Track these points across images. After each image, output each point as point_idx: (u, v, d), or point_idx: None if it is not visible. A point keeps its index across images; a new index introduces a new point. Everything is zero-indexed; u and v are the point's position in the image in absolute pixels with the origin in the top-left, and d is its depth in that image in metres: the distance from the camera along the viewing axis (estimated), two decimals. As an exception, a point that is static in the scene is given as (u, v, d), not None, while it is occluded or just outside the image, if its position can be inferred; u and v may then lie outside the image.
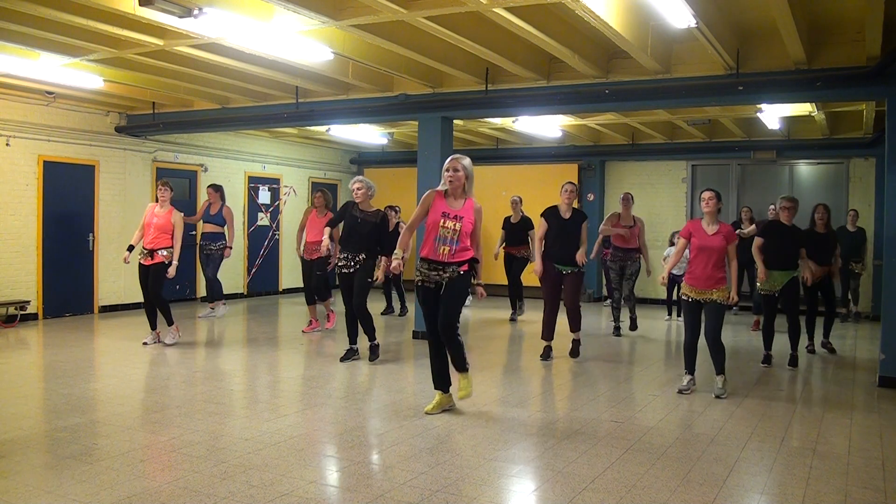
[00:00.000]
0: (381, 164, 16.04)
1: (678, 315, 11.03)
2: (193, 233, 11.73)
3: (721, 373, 6.32)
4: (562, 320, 7.80)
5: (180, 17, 5.83)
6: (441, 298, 5.29)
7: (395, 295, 11.67)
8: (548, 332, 7.81)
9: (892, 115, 7.05)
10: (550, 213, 7.75)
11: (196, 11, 5.75)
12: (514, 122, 11.12)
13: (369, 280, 7.41)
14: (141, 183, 11.75)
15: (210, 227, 10.61)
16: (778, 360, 7.67)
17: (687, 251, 6.42)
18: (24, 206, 10.09)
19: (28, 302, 10.10)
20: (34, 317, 10.24)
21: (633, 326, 9.79)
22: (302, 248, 9.58)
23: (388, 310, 11.53)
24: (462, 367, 5.44)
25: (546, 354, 7.81)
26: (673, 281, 10.95)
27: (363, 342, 7.75)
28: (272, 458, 4.43)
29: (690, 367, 6.41)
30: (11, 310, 9.82)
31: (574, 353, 7.77)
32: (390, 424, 5.24)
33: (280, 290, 14.47)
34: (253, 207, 13.80)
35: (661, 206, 13.74)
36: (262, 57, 7.59)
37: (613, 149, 13.83)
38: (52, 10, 6.02)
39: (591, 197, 13.99)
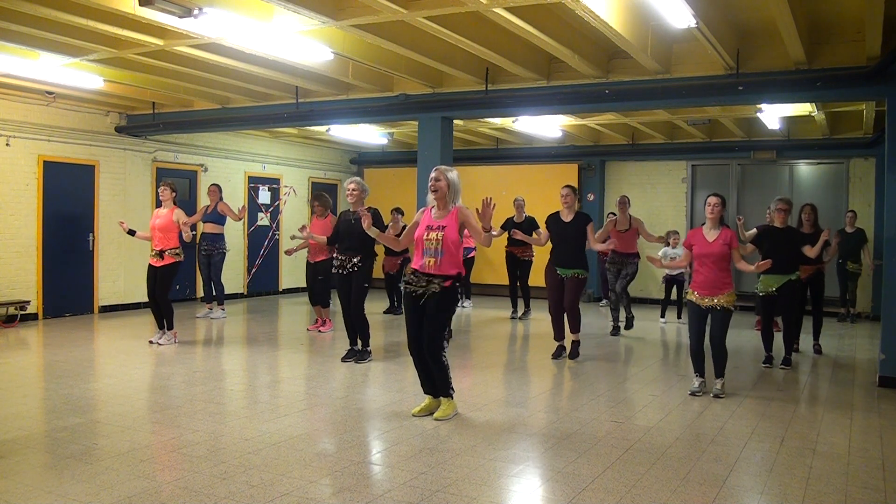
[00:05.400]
0: (381, 164, 16.04)
1: (678, 317, 11.03)
2: (194, 233, 11.69)
3: (720, 376, 6.32)
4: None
5: (180, 17, 5.83)
6: (426, 316, 5.26)
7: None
8: (558, 332, 7.86)
9: (892, 115, 7.04)
10: (551, 219, 7.83)
11: (196, 11, 5.75)
12: (514, 122, 11.12)
13: (366, 285, 7.40)
14: (141, 183, 11.76)
15: (210, 228, 10.63)
16: (778, 361, 7.67)
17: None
18: (24, 206, 10.09)
19: (28, 302, 10.10)
20: (34, 317, 10.24)
21: (629, 325, 9.79)
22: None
23: (391, 309, 11.52)
24: (445, 392, 5.39)
25: (557, 354, 7.85)
26: (670, 283, 10.99)
27: (363, 342, 7.74)
28: (272, 458, 4.43)
29: (700, 371, 6.39)
30: (11, 310, 9.82)
31: (573, 354, 7.78)
32: (390, 424, 5.23)
33: (280, 290, 14.47)
34: (253, 207, 13.78)
35: (661, 206, 13.74)
36: (262, 57, 7.59)
37: (613, 149, 13.84)
38: (52, 10, 6.02)
39: (591, 197, 13.99)
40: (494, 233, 5.64)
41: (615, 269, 9.70)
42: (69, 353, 7.90)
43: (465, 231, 5.36)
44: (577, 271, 7.62)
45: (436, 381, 5.39)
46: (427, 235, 5.25)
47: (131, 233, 8.47)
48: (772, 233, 7.52)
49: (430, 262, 5.22)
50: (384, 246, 7.77)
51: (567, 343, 7.91)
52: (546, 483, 4.18)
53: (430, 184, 5.31)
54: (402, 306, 6.72)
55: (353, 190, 7.14)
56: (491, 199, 5.10)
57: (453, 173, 5.35)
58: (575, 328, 7.82)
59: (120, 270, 11.39)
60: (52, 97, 10.14)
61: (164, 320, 8.32)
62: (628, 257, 9.62)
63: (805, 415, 5.83)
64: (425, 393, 5.51)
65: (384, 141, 14.42)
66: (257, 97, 10.04)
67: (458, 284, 5.30)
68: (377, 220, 7.34)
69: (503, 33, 6.91)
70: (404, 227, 10.92)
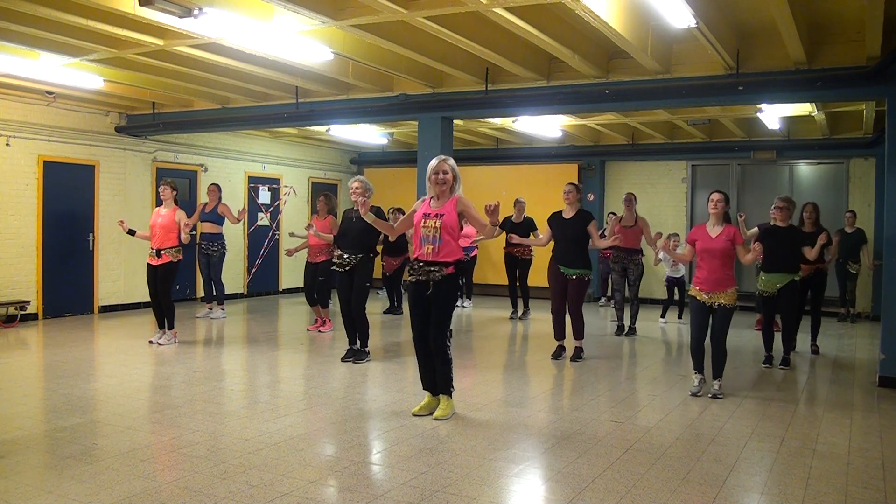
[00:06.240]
0: (381, 164, 16.04)
1: (679, 317, 11.03)
2: (194, 233, 11.71)
3: (718, 377, 6.31)
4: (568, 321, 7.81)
5: (180, 17, 5.83)
6: (431, 308, 5.27)
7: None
8: (559, 331, 7.84)
9: (892, 115, 7.04)
10: (553, 217, 7.82)
11: (196, 11, 5.75)
12: (514, 122, 11.12)
13: (367, 284, 7.39)
14: (141, 183, 11.76)
15: (209, 227, 10.65)
16: (777, 361, 7.67)
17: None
18: (24, 206, 10.09)
19: (28, 302, 10.10)
20: (34, 317, 10.24)
21: (631, 332, 9.71)
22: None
23: (391, 309, 11.52)
24: (446, 389, 5.39)
25: (557, 354, 7.84)
26: (672, 284, 10.99)
27: (363, 342, 7.74)
28: (272, 458, 4.43)
29: (699, 367, 6.38)
30: (11, 310, 9.82)
31: (575, 358, 7.76)
32: (390, 424, 5.23)
33: (280, 290, 14.48)
34: (253, 207, 13.79)
35: (661, 206, 13.74)
36: (262, 57, 7.59)
37: (613, 149, 13.84)
38: (52, 10, 6.02)
39: (591, 197, 13.99)
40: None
41: (619, 266, 9.67)
42: (69, 353, 7.90)
43: (463, 231, 5.37)
44: (580, 271, 7.60)
45: (437, 377, 5.39)
46: (424, 223, 5.27)
47: (131, 232, 8.48)
48: (774, 231, 7.53)
49: (428, 249, 5.22)
50: (384, 245, 7.79)
51: (568, 345, 7.90)
52: (546, 483, 4.18)
53: (436, 175, 5.28)
54: (406, 304, 6.70)
55: (357, 188, 7.09)
56: (492, 204, 5.12)
57: (452, 161, 5.40)
58: (578, 335, 7.80)
59: (120, 270, 11.39)
60: (52, 97, 10.14)
61: (165, 320, 8.33)
62: (632, 254, 9.57)
63: (805, 415, 5.83)
64: (424, 388, 5.51)
65: (384, 141, 14.42)
66: (257, 97, 10.04)
67: (458, 270, 5.29)
68: (378, 215, 7.34)
69: (503, 33, 6.91)
70: None
